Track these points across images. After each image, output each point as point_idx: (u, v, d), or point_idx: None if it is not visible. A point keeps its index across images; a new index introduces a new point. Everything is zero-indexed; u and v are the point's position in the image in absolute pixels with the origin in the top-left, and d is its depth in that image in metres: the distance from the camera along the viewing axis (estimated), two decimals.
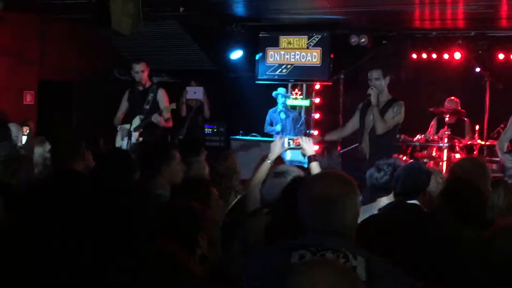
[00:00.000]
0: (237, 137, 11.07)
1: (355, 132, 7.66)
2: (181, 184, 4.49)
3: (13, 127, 7.71)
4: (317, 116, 11.20)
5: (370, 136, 7.40)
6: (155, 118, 8.12)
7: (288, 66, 10.93)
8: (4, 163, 5.07)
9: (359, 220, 2.81)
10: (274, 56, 11.02)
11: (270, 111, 10.97)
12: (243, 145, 10.66)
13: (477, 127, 9.69)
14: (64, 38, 11.59)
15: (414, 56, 10.79)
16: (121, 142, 8.14)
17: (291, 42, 10.89)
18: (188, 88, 9.70)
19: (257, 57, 11.07)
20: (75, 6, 9.32)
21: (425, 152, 9.84)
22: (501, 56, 10.22)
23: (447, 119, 9.73)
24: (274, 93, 10.88)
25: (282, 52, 10.97)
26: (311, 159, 4.92)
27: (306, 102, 11.10)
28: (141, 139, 8.05)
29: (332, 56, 10.61)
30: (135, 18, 7.53)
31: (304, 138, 5.11)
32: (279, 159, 5.07)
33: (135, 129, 8.12)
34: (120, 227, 3.30)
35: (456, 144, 9.63)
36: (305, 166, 5.08)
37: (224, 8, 10.00)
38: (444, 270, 3.33)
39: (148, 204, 3.77)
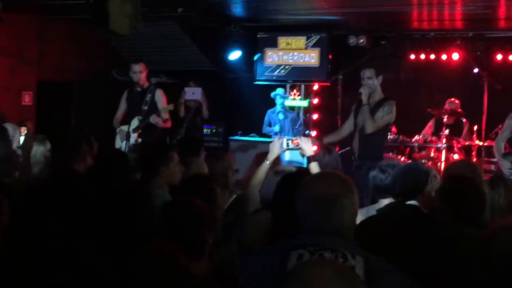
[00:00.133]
0: (236, 137, 11.08)
1: (352, 133, 7.67)
2: (185, 183, 4.47)
3: (9, 127, 7.69)
4: (315, 116, 11.21)
5: (360, 135, 7.39)
6: (153, 119, 8.11)
7: (287, 67, 10.94)
8: None
9: (359, 221, 2.82)
10: (272, 57, 11.03)
11: (269, 111, 10.98)
12: (241, 146, 10.68)
13: (475, 127, 9.71)
14: (63, 38, 11.58)
15: (413, 56, 10.81)
16: (121, 143, 8.14)
17: (290, 42, 10.90)
18: (186, 89, 9.70)
19: (256, 57, 11.08)
20: (74, 6, 9.32)
21: (423, 152, 9.86)
22: (499, 56, 10.24)
23: (445, 119, 9.74)
24: (272, 94, 10.89)
25: (281, 53, 10.98)
26: (310, 159, 4.94)
27: (304, 103, 11.10)
28: (140, 140, 8.05)
29: (330, 56, 10.62)
30: (133, 18, 7.53)
31: (303, 138, 5.13)
32: (276, 159, 5.09)
33: (134, 130, 8.12)
34: (120, 227, 3.31)
35: (455, 144, 9.65)
36: (304, 166, 5.10)
37: (223, 9, 10.00)
38: (444, 270, 3.33)
39: (147, 204, 3.79)
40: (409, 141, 9.89)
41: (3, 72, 10.76)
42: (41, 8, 10.19)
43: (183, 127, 9.27)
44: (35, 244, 2.97)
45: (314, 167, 4.78)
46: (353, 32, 10.55)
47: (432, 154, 9.74)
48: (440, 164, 9.33)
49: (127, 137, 7.97)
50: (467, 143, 9.76)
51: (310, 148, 5.07)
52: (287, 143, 5.02)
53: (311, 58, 10.72)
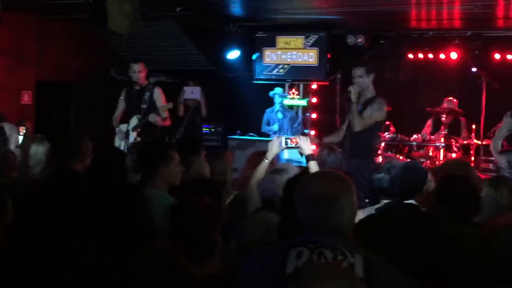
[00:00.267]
0: (235, 136, 11.08)
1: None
2: (193, 183, 4.45)
3: (6, 126, 7.69)
4: (314, 116, 11.22)
5: (349, 133, 7.32)
6: (152, 117, 8.12)
7: (285, 66, 10.94)
8: None
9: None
10: (271, 56, 11.04)
11: (267, 110, 10.98)
12: (240, 145, 10.68)
13: (473, 126, 9.72)
14: (62, 38, 11.58)
15: (411, 56, 10.81)
16: (120, 142, 8.15)
17: (288, 42, 10.91)
18: (185, 88, 9.71)
19: (254, 57, 11.08)
20: (73, 6, 9.31)
21: (422, 151, 9.88)
22: (497, 56, 10.25)
23: (443, 118, 9.76)
24: (271, 93, 10.89)
25: (279, 52, 10.98)
26: (309, 158, 4.94)
27: (303, 102, 11.12)
28: (139, 138, 8.06)
29: (329, 56, 10.63)
30: (132, 18, 7.53)
31: (301, 137, 5.12)
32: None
33: (133, 129, 8.13)
34: (119, 227, 3.31)
35: (453, 143, 9.67)
36: (303, 165, 5.11)
37: (221, 8, 10.01)
38: (443, 270, 3.34)
39: (146, 204, 3.79)
40: (407, 140, 9.90)
41: (2, 71, 10.76)
42: (40, 8, 10.19)
43: (182, 126, 9.29)
44: (35, 244, 2.98)
45: (313, 166, 4.78)
46: (351, 32, 10.56)
47: (430, 153, 9.76)
48: (439, 163, 9.34)
49: (126, 136, 7.98)
50: (465, 142, 9.78)
51: (309, 147, 5.07)
52: (286, 142, 5.02)
53: (310, 57, 10.73)
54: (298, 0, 9.36)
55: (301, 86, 11.19)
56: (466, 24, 10.11)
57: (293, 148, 5.15)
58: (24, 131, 9.12)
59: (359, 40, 10.50)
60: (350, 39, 10.56)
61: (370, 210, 4.33)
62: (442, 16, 9.62)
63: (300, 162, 5.80)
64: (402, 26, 10.54)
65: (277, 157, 6.23)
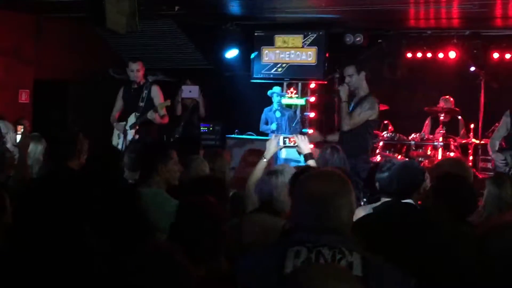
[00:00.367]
0: (233, 136, 11.07)
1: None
2: (197, 182, 4.44)
3: (2, 125, 7.69)
4: (312, 114, 11.21)
5: (342, 133, 7.29)
6: (151, 115, 8.12)
7: (283, 65, 10.93)
8: None
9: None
10: (269, 55, 11.02)
11: (266, 109, 10.98)
12: (238, 144, 10.67)
13: (472, 126, 9.73)
14: (60, 37, 11.56)
15: (409, 55, 10.81)
16: (118, 141, 8.15)
17: (286, 41, 10.89)
18: (183, 87, 9.70)
19: (253, 56, 11.08)
20: (72, 5, 9.31)
21: (420, 151, 9.89)
22: (495, 55, 10.25)
23: (441, 118, 9.76)
24: (269, 92, 10.89)
25: (277, 51, 10.97)
26: (307, 157, 4.95)
27: (301, 101, 11.10)
28: (137, 136, 8.06)
29: (327, 55, 10.62)
30: (130, 17, 7.53)
31: (300, 136, 5.13)
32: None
33: (131, 127, 8.13)
34: (119, 227, 3.30)
35: (451, 143, 9.67)
36: (301, 164, 5.10)
37: (220, 7, 10.00)
38: (441, 268, 3.34)
39: (140, 202, 3.77)
40: (406, 139, 9.91)
41: (0, 70, 10.75)
42: (38, 6, 10.18)
43: (180, 125, 9.29)
44: (34, 244, 2.97)
45: (312, 165, 4.78)
46: (350, 31, 10.56)
47: (429, 152, 9.77)
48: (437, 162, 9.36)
49: (124, 134, 7.98)
50: (463, 141, 9.78)
51: (307, 146, 5.08)
52: (284, 141, 5.02)
53: (308, 56, 10.72)
54: None
55: (300, 85, 11.17)
56: (465, 23, 10.11)
57: (291, 147, 5.15)
58: (22, 130, 9.10)
59: (358, 39, 10.50)
60: (349, 38, 10.55)
61: (370, 209, 4.34)
62: (441, 15, 9.62)
63: (299, 161, 5.79)
64: (400, 25, 10.54)
65: (275, 156, 6.23)
